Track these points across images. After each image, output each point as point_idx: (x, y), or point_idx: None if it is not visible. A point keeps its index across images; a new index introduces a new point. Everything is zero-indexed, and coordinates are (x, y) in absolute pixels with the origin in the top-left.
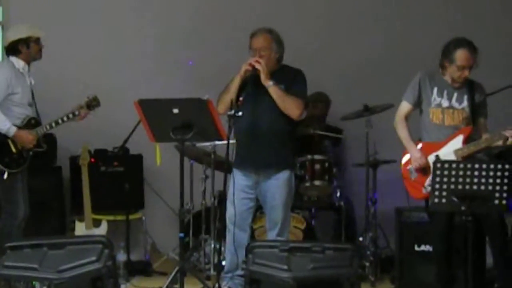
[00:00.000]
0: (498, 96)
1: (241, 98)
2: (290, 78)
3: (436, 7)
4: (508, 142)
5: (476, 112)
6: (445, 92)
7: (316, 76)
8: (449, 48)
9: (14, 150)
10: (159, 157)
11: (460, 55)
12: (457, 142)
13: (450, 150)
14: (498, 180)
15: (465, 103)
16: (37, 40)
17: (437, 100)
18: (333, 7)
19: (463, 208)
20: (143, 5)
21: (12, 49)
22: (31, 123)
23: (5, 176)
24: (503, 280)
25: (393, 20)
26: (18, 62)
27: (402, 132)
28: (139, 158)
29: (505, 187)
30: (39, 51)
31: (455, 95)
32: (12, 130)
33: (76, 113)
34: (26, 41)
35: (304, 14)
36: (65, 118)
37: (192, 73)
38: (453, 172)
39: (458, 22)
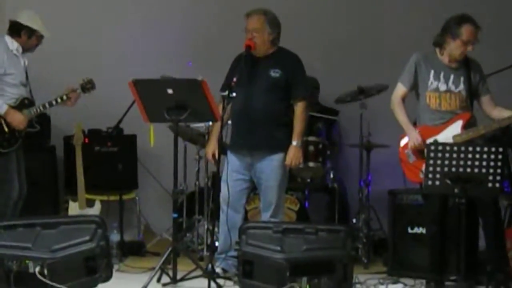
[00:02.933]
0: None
1: (234, 79)
2: (287, 65)
3: None
4: None
5: (477, 92)
6: (442, 75)
7: (308, 56)
8: (454, 23)
9: (6, 129)
10: (153, 138)
11: (467, 29)
12: (456, 127)
13: (448, 135)
14: (492, 163)
15: (461, 85)
16: (40, 37)
17: (434, 84)
18: None
19: (456, 190)
20: None
21: (14, 29)
22: (25, 103)
23: None
24: (495, 263)
25: (390, 3)
26: (13, 43)
27: (400, 115)
28: (133, 138)
29: (498, 170)
30: (35, 46)
31: (452, 77)
32: (3, 108)
33: (65, 98)
34: (31, 32)
35: None
36: (58, 100)
37: (189, 54)
38: (447, 155)
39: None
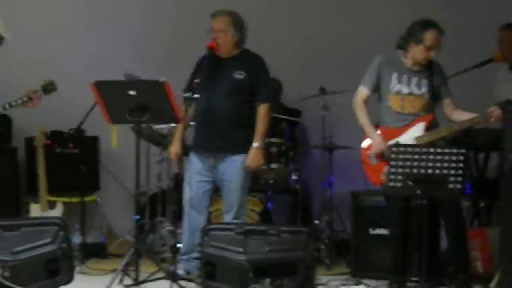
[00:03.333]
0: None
1: (197, 80)
2: (251, 67)
3: None
4: (491, 121)
5: (439, 94)
6: (404, 78)
7: (271, 57)
8: (418, 28)
9: None
10: (115, 139)
11: (430, 35)
12: (418, 129)
13: (410, 136)
14: (453, 165)
15: (424, 88)
16: (1, 39)
17: (397, 87)
18: None
19: (418, 192)
20: None
21: None
22: None
23: None
24: (457, 264)
25: (353, 2)
26: None
27: (361, 117)
28: (95, 140)
29: (460, 172)
30: None
31: (414, 80)
32: None
33: (26, 98)
34: None
35: None
36: (18, 101)
37: (149, 54)
38: (409, 156)
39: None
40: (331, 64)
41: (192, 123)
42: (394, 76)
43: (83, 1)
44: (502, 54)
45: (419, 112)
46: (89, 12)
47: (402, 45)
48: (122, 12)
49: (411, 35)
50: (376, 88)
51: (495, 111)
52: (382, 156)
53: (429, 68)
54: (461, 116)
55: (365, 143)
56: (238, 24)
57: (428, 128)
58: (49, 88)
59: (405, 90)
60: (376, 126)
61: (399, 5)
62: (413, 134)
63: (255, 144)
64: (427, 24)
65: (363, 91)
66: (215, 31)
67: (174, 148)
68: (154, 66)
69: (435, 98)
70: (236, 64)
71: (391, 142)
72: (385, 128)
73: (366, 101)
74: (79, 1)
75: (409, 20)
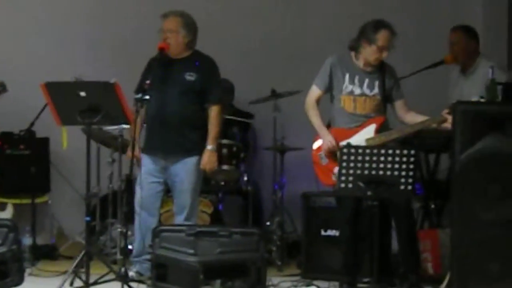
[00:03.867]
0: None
1: (148, 81)
2: (202, 68)
3: None
4: (444, 125)
5: (391, 96)
6: (357, 78)
7: (222, 59)
8: (370, 28)
9: None
10: (66, 141)
11: (383, 35)
12: (370, 130)
13: (361, 138)
14: (404, 166)
15: (376, 89)
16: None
17: (349, 87)
18: None
19: (369, 193)
20: None
21: None
22: None
23: None
24: (408, 265)
25: (304, 2)
26: None
27: (314, 117)
28: (45, 141)
29: (410, 173)
30: None
31: (367, 81)
32: None
33: None
34: None
35: None
36: None
37: (100, 55)
38: (360, 157)
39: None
40: (283, 65)
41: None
42: (347, 77)
43: (35, 1)
44: (453, 56)
45: (371, 113)
46: (41, 13)
47: (354, 46)
48: (73, 13)
49: (364, 36)
50: (328, 89)
51: (447, 115)
52: (333, 156)
53: (381, 70)
54: (414, 118)
55: (317, 144)
56: (189, 25)
57: (379, 130)
58: None
59: (357, 91)
60: (328, 126)
61: (351, 6)
62: (364, 135)
63: (209, 147)
64: (380, 25)
65: (315, 91)
66: (165, 31)
67: (136, 151)
68: (105, 67)
69: (387, 99)
70: (187, 65)
71: (343, 143)
72: (337, 129)
73: (318, 101)
74: (30, 1)
75: (361, 22)
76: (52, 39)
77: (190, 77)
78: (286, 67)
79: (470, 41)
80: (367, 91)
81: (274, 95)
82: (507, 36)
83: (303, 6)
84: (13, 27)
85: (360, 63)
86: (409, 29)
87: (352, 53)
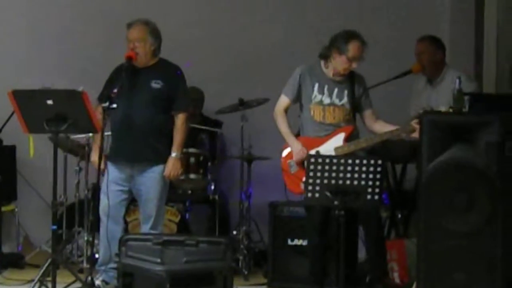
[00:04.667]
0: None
1: (115, 90)
2: (168, 76)
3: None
4: (413, 135)
5: (360, 105)
6: (326, 88)
7: (191, 67)
8: (341, 39)
9: None
10: (32, 149)
11: (353, 46)
12: (338, 139)
13: (330, 147)
14: (370, 176)
15: (345, 99)
16: None
17: (318, 97)
18: None
19: (336, 202)
20: None
21: None
22: None
23: None
24: (375, 274)
25: (273, 13)
26: None
27: (282, 125)
28: (12, 149)
29: (377, 183)
30: None
31: (336, 90)
32: None
33: None
34: None
35: (179, 5)
36: None
37: (68, 64)
38: (327, 167)
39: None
40: (250, 74)
41: (108, 133)
42: (316, 86)
43: (2, 9)
44: (420, 65)
45: (340, 122)
46: (12, 20)
47: (324, 55)
48: (43, 21)
49: (334, 46)
50: (297, 98)
51: (416, 125)
52: (302, 164)
53: (350, 79)
54: (383, 127)
55: (286, 152)
56: (155, 33)
57: (348, 139)
58: None
59: (326, 100)
60: (297, 135)
61: (320, 16)
62: (333, 144)
63: (173, 154)
64: (351, 36)
65: (284, 100)
66: (132, 41)
67: (94, 156)
68: (73, 75)
69: (356, 108)
70: (153, 73)
71: (312, 151)
72: (306, 138)
73: (287, 110)
74: None
75: (331, 32)
76: (22, 47)
77: (156, 84)
78: (254, 76)
79: (436, 51)
80: (336, 101)
81: (242, 104)
82: (474, 47)
83: (270, 15)
84: None
85: (329, 72)
86: (378, 39)
87: (322, 62)
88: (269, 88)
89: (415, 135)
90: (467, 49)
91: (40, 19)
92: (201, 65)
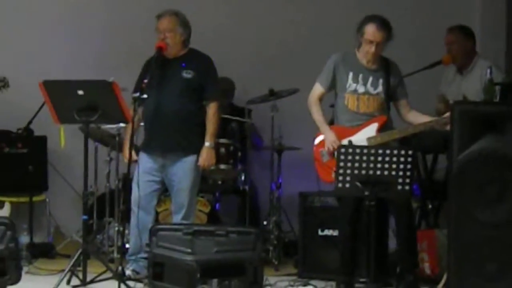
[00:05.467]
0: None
1: (145, 81)
2: (199, 66)
3: None
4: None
5: (395, 94)
6: (360, 77)
7: (221, 58)
8: (362, 22)
9: None
10: (63, 139)
11: (369, 29)
12: (371, 129)
13: (363, 137)
14: (401, 166)
15: (380, 87)
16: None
17: (352, 86)
18: None
19: (366, 193)
20: None
21: None
22: None
23: None
24: (406, 264)
25: (302, 4)
26: None
27: (316, 114)
28: (43, 139)
29: (408, 173)
30: None
31: (370, 79)
32: None
33: None
34: None
35: None
36: None
37: (98, 54)
38: (357, 157)
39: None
40: (281, 64)
41: (141, 123)
42: (350, 75)
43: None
44: (451, 56)
45: (374, 112)
46: (41, 11)
47: (358, 42)
48: (72, 12)
49: (358, 29)
50: (332, 87)
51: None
52: (334, 154)
53: (386, 68)
54: (416, 118)
55: (318, 140)
56: (185, 23)
57: (381, 129)
58: (0, 85)
59: (360, 89)
60: (331, 124)
61: (351, 5)
62: (366, 134)
63: (207, 143)
64: (369, 18)
65: (318, 89)
66: (162, 31)
67: (126, 150)
68: (105, 67)
69: (390, 98)
70: (184, 63)
71: (344, 141)
72: (339, 127)
73: (321, 99)
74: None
75: (358, 21)
76: (52, 38)
77: (187, 74)
78: (284, 66)
79: (467, 41)
80: (370, 90)
81: (272, 94)
82: (505, 37)
83: (301, 5)
84: (13, 24)
85: (363, 60)
86: (407, 29)
87: (356, 51)
88: (299, 78)
89: (449, 127)
90: (497, 39)
91: (69, 8)
92: (231, 55)
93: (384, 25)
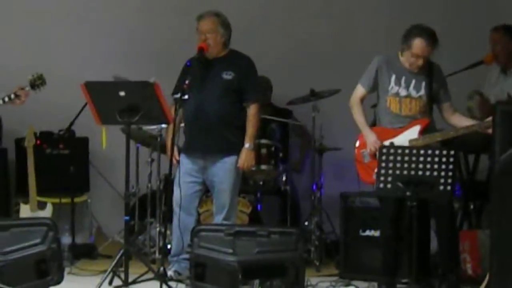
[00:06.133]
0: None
1: (187, 82)
2: (240, 67)
3: None
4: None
5: (438, 97)
6: (403, 80)
7: (261, 58)
8: (410, 33)
9: None
10: (105, 140)
11: (417, 43)
12: (414, 132)
13: (405, 139)
14: (443, 166)
15: (422, 91)
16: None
17: (395, 88)
18: None
19: (408, 193)
20: None
21: None
22: None
23: None
24: (448, 265)
25: (343, 2)
26: None
27: (358, 115)
28: (85, 140)
29: (450, 173)
30: None
31: (413, 82)
32: None
33: (13, 96)
34: None
35: None
36: (5, 99)
37: (139, 56)
38: (399, 158)
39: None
40: (321, 65)
41: (182, 124)
42: (393, 78)
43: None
44: (493, 55)
45: (416, 114)
46: (79, 11)
47: (401, 47)
48: (113, 13)
49: (404, 39)
50: (373, 88)
51: None
52: (375, 155)
53: (429, 70)
54: (460, 121)
55: (360, 141)
56: (226, 24)
57: (423, 132)
58: (37, 82)
59: (403, 92)
60: (373, 125)
61: (392, 7)
62: (408, 136)
63: (247, 145)
64: (418, 33)
65: (360, 90)
66: (203, 32)
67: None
68: (143, 67)
69: (433, 101)
70: (225, 64)
71: (386, 143)
72: (381, 128)
73: (363, 100)
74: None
75: (403, 23)
76: (93, 38)
77: (227, 76)
78: (325, 67)
79: (510, 40)
80: (413, 93)
81: (313, 94)
82: None
83: (341, 6)
84: (53, 25)
85: (406, 63)
86: (447, 29)
87: (399, 53)
88: (340, 78)
89: (491, 131)
90: None
91: (111, 8)
92: (272, 55)
93: (433, 40)
